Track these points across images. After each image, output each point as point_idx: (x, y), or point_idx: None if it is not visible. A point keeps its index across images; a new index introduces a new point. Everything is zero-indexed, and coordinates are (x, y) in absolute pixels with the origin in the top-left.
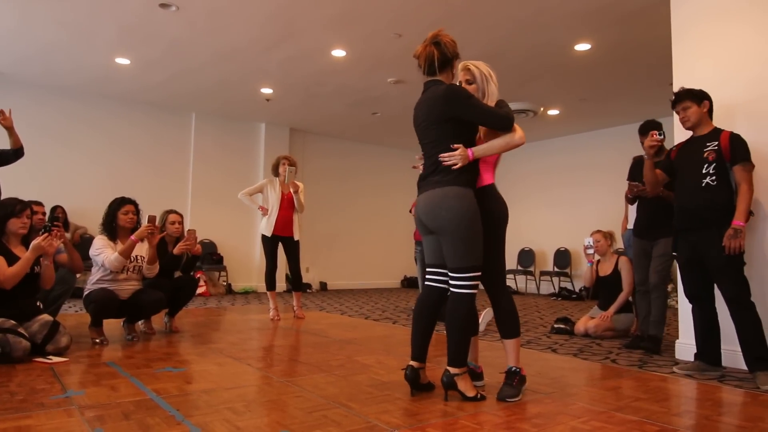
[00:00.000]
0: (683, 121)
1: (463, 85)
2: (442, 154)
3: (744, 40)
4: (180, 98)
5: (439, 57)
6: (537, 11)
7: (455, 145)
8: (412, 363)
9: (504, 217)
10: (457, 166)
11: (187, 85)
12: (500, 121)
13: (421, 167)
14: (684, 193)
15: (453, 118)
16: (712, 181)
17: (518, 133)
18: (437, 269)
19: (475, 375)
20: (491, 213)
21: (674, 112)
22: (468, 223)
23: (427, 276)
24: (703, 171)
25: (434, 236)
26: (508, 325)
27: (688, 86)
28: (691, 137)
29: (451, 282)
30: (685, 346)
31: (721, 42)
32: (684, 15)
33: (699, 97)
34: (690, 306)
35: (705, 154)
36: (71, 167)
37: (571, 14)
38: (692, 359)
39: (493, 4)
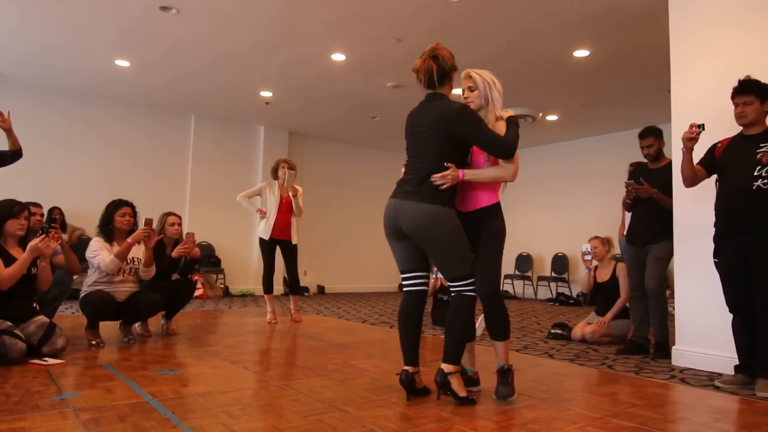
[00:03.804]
0: (739, 116)
1: (466, 92)
2: (434, 175)
3: (742, 45)
4: (179, 101)
5: (438, 71)
6: (536, 18)
7: (448, 164)
8: (406, 368)
9: (504, 234)
10: (445, 186)
11: (187, 88)
12: (501, 149)
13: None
14: (730, 194)
15: (457, 138)
16: (764, 184)
17: (513, 169)
18: (412, 273)
19: (472, 381)
20: (497, 230)
21: (733, 103)
22: (457, 236)
23: (403, 282)
24: (755, 173)
25: (406, 243)
26: (498, 328)
27: (686, 91)
28: (740, 135)
29: (452, 288)
30: (683, 352)
31: (719, 48)
32: (682, 21)
33: (766, 93)
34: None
35: (759, 156)
36: (70, 169)
37: (570, 21)
38: (690, 366)
39: (493, 11)
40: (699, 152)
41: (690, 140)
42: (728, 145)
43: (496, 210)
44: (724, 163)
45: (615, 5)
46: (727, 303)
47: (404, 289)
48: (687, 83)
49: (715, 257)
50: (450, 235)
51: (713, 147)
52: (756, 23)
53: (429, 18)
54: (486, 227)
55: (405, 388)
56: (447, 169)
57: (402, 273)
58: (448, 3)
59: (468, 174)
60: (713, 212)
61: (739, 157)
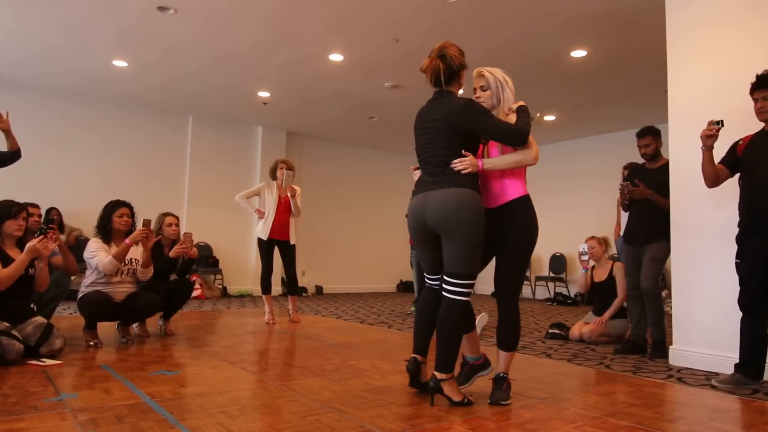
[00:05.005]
0: (759, 112)
1: (478, 91)
2: (454, 161)
3: (739, 45)
4: (177, 101)
5: (445, 70)
6: (534, 18)
7: (466, 153)
8: (415, 356)
9: (537, 231)
10: (466, 171)
11: (185, 88)
12: (512, 136)
13: (417, 173)
14: (755, 193)
15: (465, 131)
16: None
17: (533, 152)
18: (438, 275)
19: (477, 368)
20: (529, 227)
21: (752, 99)
22: (480, 229)
23: (428, 282)
24: None
25: (432, 245)
26: (508, 339)
27: (682, 91)
28: (762, 131)
29: (445, 287)
30: (680, 352)
31: (716, 47)
32: (679, 20)
33: None
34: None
35: None
36: (67, 169)
37: (567, 21)
38: (687, 366)
39: (490, 11)
40: (717, 152)
41: (709, 138)
42: (750, 142)
43: (526, 203)
44: (747, 160)
45: (612, 5)
46: (740, 302)
47: (427, 284)
48: (684, 83)
49: (737, 258)
50: (473, 224)
51: (735, 145)
52: (753, 22)
53: (427, 18)
54: (515, 222)
55: (410, 376)
56: (464, 156)
57: (427, 275)
58: (445, 3)
59: (487, 163)
60: (710, 212)
61: (763, 154)
